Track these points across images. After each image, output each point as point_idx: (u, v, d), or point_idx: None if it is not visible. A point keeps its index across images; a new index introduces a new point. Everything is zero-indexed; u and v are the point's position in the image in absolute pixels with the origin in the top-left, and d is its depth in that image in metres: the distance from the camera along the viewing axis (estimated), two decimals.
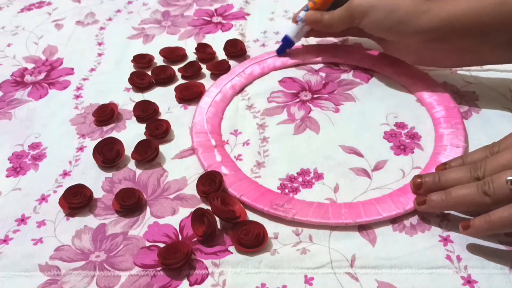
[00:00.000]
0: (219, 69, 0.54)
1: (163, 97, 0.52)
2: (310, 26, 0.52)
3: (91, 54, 0.60)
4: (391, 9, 0.44)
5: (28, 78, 0.57)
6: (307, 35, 0.54)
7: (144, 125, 0.49)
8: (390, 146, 0.45)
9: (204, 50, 0.57)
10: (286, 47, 0.55)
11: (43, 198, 0.43)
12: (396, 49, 0.49)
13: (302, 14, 0.51)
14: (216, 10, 0.66)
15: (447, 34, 0.43)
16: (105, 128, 0.49)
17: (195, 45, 0.58)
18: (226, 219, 0.39)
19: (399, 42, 0.47)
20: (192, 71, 0.54)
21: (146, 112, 0.50)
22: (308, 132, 0.47)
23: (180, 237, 0.39)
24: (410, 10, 0.44)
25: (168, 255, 0.37)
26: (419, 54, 0.47)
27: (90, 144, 0.47)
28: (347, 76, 0.53)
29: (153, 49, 0.59)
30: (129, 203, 0.41)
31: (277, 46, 0.58)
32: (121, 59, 0.59)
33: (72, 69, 0.58)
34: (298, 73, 0.54)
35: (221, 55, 0.57)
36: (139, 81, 0.54)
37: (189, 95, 0.51)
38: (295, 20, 0.53)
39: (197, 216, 0.39)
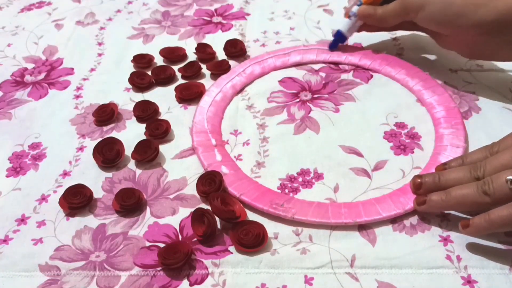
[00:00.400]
0: (219, 69, 0.54)
1: (163, 97, 0.52)
2: (363, 21, 0.52)
3: (91, 54, 0.60)
4: (448, 3, 0.44)
5: (28, 78, 0.57)
6: (359, 29, 0.54)
7: (144, 125, 0.49)
8: (390, 146, 0.45)
9: (204, 50, 0.57)
10: (338, 42, 0.55)
11: (43, 198, 0.43)
12: (450, 42, 0.48)
13: (355, 8, 0.51)
14: (216, 10, 0.66)
15: (505, 27, 0.43)
16: (105, 128, 0.49)
17: (195, 45, 0.58)
18: (226, 219, 0.39)
19: (455, 35, 0.46)
20: (192, 71, 0.54)
21: (146, 112, 0.50)
22: (308, 132, 0.47)
23: (180, 237, 0.39)
24: (467, 3, 0.43)
25: (168, 255, 0.37)
26: (475, 48, 0.47)
27: (90, 144, 0.47)
28: (347, 76, 0.53)
29: (153, 49, 0.59)
30: (129, 203, 0.41)
31: (277, 46, 0.58)
32: (121, 59, 0.59)
33: (72, 69, 0.58)
34: (298, 73, 0.54)
35: (221, 55, 0.57)
36: (139, 81, 0.54)
37: (189, 95, 0.51)
38: (347, 14, 0.52)
39: (197, 216, 0.39)
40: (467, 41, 0.46)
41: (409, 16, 0.48)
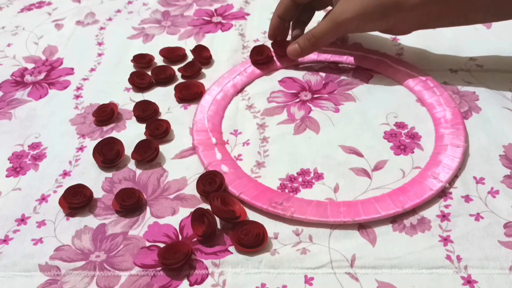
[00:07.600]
0: (191, 71, 0.54)
1: (163, 97, 0.52)
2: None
3: (91, 54, 0.60)
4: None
5: (28, 78, 0.57)
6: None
7: (144, 125, 0.49)
8: (390, 146, 0.45)
9: (200, 53, 0.56)
10: None
11: (43, 198, 0.43)
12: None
13: None
14: (216, 10, 0.66)
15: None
16: (105, 128, 0.49)
17: (195, 45, 0.58)
18: (226, 219, 0.39)
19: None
20: (192, 71, 0.54)
21: (146, 112, 0.50)
22: (308, 132, 0.47)
23: (180, 237, 0.39)
24: None
25: (168, 255, 0.37)
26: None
27: (90, 144, 0.47)
28: (347, 76, 0.53)
29: (153, 49, 0.59)
30: (129, 203, 0.41)
31: None
32: (121, 59, 0.58)
33: (72, 69, 0.58)
34: (298, 73, 0.54)
35: (221, 55, 0.57)
36: (139, 81, 0.54)
37: (189, 95, 0.51)
38: None
39: (197, 216, 0.39)
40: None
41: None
